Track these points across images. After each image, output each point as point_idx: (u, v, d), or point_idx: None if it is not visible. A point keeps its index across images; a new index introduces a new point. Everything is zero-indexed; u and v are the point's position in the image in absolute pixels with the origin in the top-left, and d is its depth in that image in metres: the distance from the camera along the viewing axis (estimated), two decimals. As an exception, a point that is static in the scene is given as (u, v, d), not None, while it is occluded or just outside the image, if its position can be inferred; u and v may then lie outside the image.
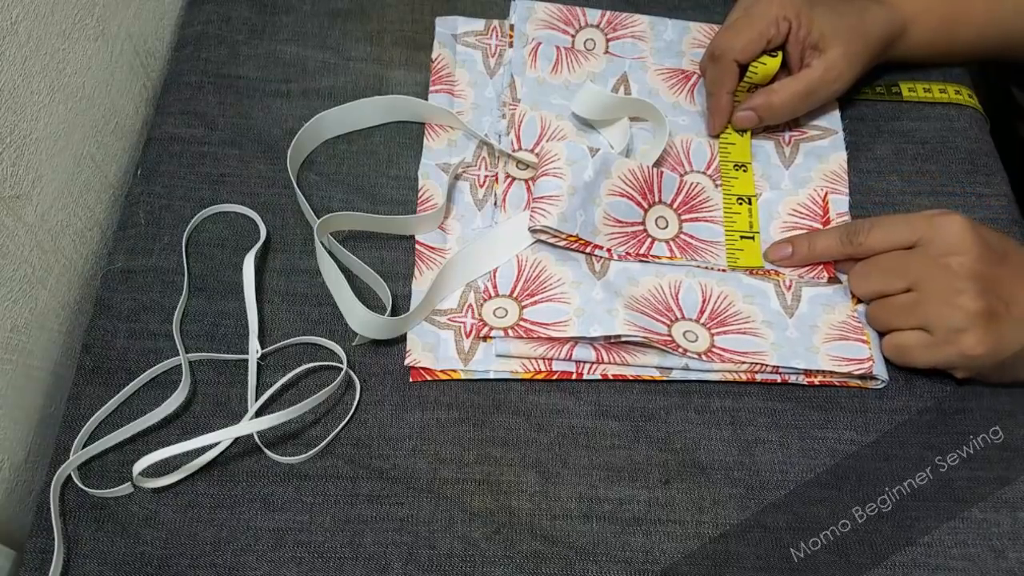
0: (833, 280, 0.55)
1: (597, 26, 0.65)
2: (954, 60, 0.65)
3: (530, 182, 0.58)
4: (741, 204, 0.57)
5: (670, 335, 0.52)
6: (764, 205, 0.58)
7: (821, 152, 0.60)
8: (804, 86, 0.58)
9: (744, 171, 0.59)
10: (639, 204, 0.56)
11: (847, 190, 0.59)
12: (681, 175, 0.58)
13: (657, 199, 0.56)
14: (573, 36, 0.65)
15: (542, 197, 0.53)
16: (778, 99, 0.58)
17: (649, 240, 0.55)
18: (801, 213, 0.57)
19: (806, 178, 0.59)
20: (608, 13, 0.65)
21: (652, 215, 0.56)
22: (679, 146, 0.60)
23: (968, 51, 0.63)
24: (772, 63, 0.57)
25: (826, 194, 0.58)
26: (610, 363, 0.52)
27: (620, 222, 0.55)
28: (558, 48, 0.63)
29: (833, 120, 0.61)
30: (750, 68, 0.58)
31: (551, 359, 0.52)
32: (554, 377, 0.52)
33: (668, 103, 0.62)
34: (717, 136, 0.60)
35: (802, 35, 0.57)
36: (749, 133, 0.60)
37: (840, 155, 0.60)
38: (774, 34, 0.57)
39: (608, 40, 0.64)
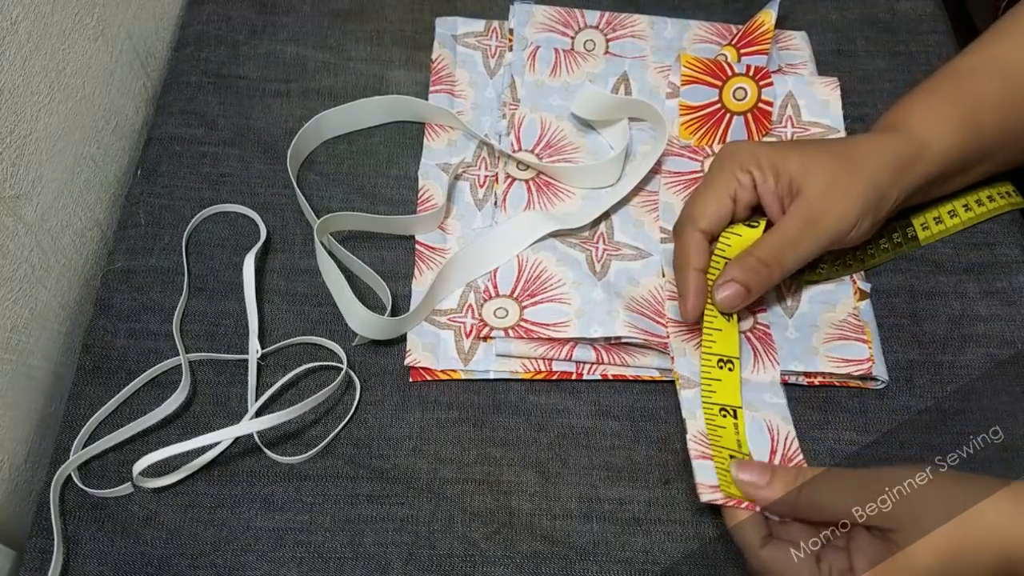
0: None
1: (596, 27, 0.65)
2: (985, 165, 0.54)
3: (530, 182, 0.58)
4: (725, 417, 0.48)
5: (669, 337, 0.52)
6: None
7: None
8: (785, 237, 0.48)
9: (731, 369, 0.49)
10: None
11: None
12: (702, 159, 0.58)
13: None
14: (573, 38, 0.64)
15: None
16: (760, 256, 0.48)
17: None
18: None
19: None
20: (607, 14, 0.65)
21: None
22: None
23: (995, 147, 0.52)
24: (750, 233, 0.50)
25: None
26: (610, 364, 0.52)
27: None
28: (556, 51, 0.63)
29: (836, 119, 0.61)
30: (721, 240, 0.50)
31: (551, 359, 0.52)
32: (554, 377, 0.52)
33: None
34: (695, 321, 0.50)
35: (771, 184, 0.48)
36: (735, 321, 0.50)
37: None
38: (737, 190, 0.49)
39: (608, 40, 0.64)
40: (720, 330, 0.50)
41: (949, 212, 0.57)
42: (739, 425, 0.48)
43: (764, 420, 0.50)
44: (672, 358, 0.51)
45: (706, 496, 0.45)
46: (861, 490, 0.41)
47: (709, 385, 0.49)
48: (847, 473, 0.43)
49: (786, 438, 0.49)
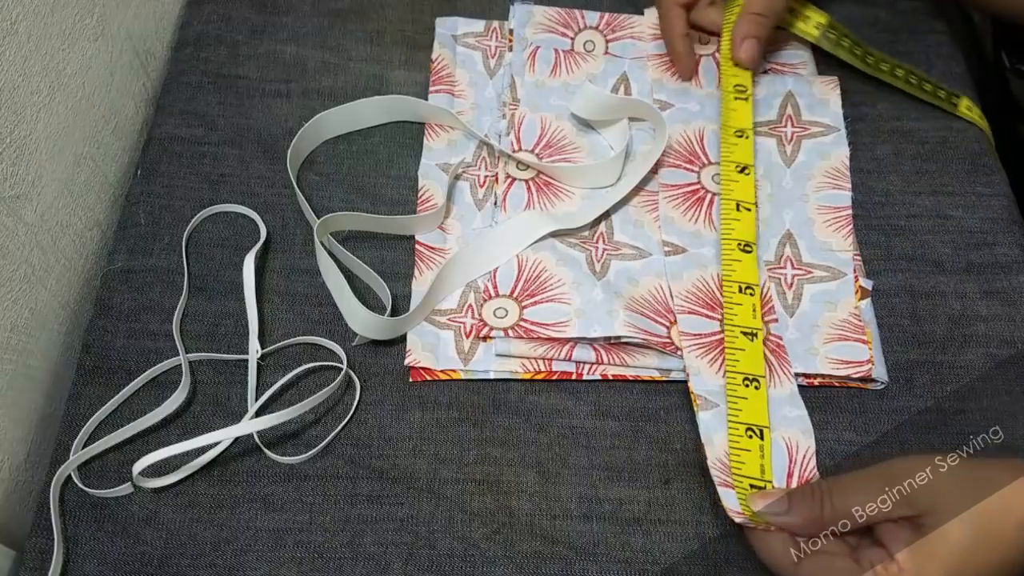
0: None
1: (596, 28, 0.65)
2: None
3: (530, 182, 0.58)
4: (751, 438, 0.48)
5: (669, 337, 0.52)
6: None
7: (823, 149, 0.60)
8: None
9: (756, 387, 0.50)
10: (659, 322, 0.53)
11: (849, 186, 0.58)
12: (698, 169, 0.59)
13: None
14: (572, 39, 0.65)
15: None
16: (754, 10, 0.57)
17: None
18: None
19: (808, 175, 0.59)
20: (607, 15, 0.65)
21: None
22: (693, 136, 0.60)
23: None
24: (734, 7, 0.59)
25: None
26: (610, 364, 0.52)
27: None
28: (556, 51, 0.63)
29: (836, 117, 0.61)
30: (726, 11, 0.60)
31: (551, 359, 0.52)
32: (554, 377, 0.52)
33: (674, 89, 0.62)
34: (690, 79, 0.62)
35: None
36: (760, 339, 0.51)
37: (842, 151, 0.60)
38: None
39: (608, 41, 0.64)
40: (743, 349, 0.50)
41: (888, 64, 0.62)
42: (765, 447, 0.48)
43: (783, 439, 0.49)
44: (687, 375, 0.51)
45: (738, 519, 0.46)
46: (881, 490, 0.42)
47: (735, 403, 0.49)
48: (863, 476, 0.43)
49: (804, 455, 0.48)
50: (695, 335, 0.52)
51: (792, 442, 0.49)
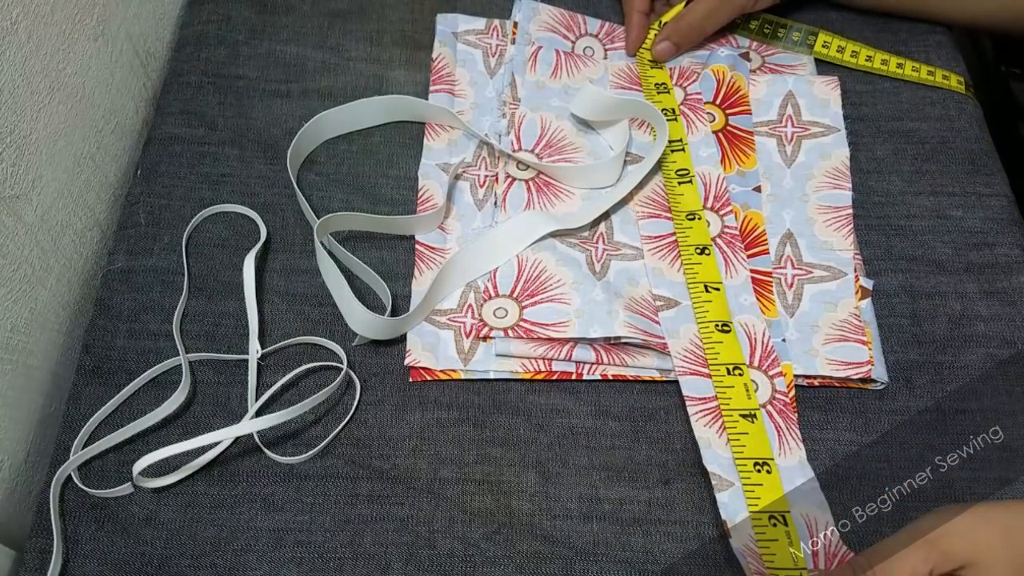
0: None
1: (596, 36, 0.65)
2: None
3: (530, 182, 0.58)
4: (776, 526, 0.46)
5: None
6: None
7: (823, 149, 0.60)
8: (707, 8, 0.61)
9: (768, 471, 0.48)
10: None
11: (850, 186, 0.58)
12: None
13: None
14: (573, 42, 0.65)
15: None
16: (688, 22, 0.62)
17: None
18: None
19: (808, 175, 0.59)
20: (607, 24, 0.66)
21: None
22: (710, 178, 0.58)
23: None
24: (679, 7, 0.63)
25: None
26: (610, 364, 0.52)
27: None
28: (557, 52, 0.63)
29: (836, 117, 0.61)
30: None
31: (551, 359, 0.52)
32: (554, 377, 0.52)
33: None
34: (634, 55, 0.64)
35: None
36: (760, 420, 0.49)
37: (842, 151, 0.60)
38: None
39: (606, 50, 0.65)
40: (747, 433, 0.49)
41: (867, 57, 0.64)
42: (791, 532, 0.46)
43: (802, 515, 0.47)
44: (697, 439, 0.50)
45: None
46: (919, 551, 0.40)
47: (752, 491, 0.47)
48: (898, 540, 0.42)
49: (825, 531, 0.46)
50: (700, 399, 0.50)
51: (811, 518, 0.47)
